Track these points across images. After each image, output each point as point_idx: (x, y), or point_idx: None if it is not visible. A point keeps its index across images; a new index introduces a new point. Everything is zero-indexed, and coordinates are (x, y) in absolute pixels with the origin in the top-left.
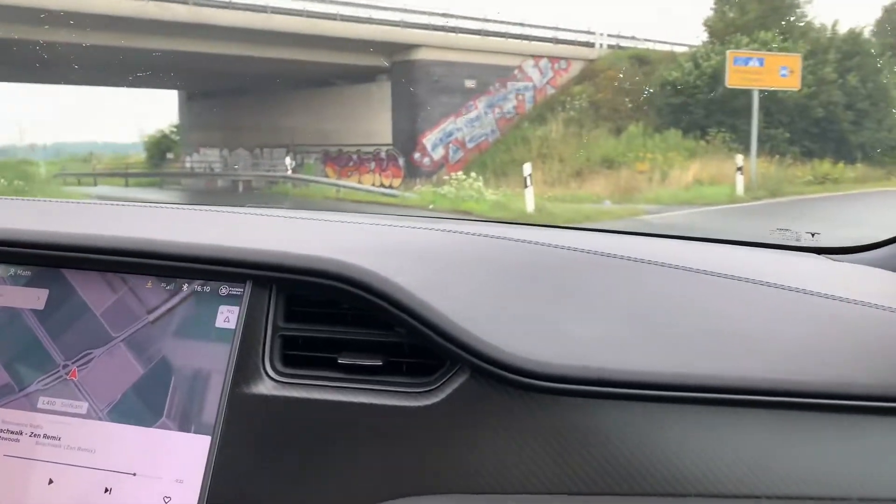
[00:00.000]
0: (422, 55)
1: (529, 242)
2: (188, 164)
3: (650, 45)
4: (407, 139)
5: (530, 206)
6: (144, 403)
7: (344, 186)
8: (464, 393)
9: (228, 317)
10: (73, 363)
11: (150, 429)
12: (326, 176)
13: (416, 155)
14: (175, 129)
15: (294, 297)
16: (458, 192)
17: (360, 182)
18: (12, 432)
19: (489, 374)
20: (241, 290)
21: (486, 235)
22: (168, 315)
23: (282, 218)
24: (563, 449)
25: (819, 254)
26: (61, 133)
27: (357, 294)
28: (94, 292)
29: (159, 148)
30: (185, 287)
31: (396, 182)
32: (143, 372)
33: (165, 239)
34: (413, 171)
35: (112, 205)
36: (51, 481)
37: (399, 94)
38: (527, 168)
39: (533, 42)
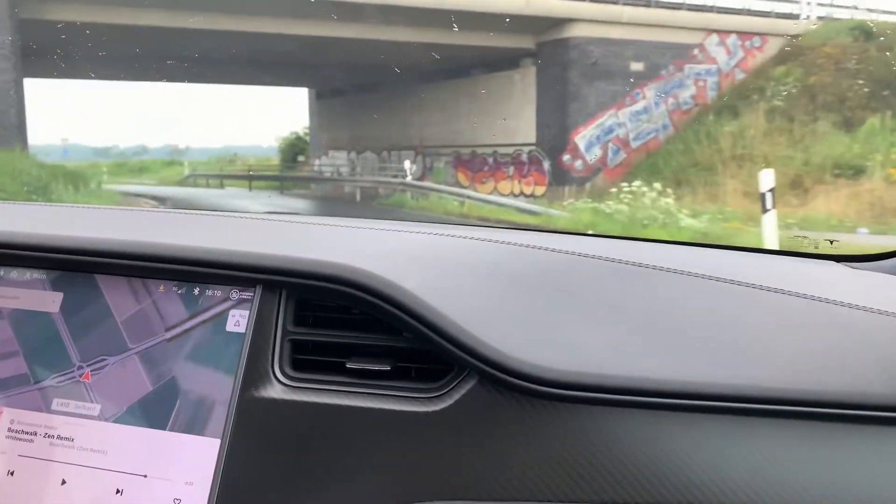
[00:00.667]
0: (576, 32)
1: (539, 248)
2: (317, 168)
3: (874, 16)
4: (554, 138)
5: (771, 238)
6: (155, 407)
7: (471, 198)
8: (471, 399)
9: (239, 321)
10: (87, 366)
11: (161, 431)
12: (457, 182)
13: (566, 157)
14: (307, 131)
15: (303, 301)
16: (632, 210)
17: (496, 190)
18: (27, 433)
19: (497, 381)
20: (252, 294)
21: (494, 241)
22: (185, 335)
23: (294, 223)
24: (571, 456)
25: (838, 261)
26: (207, 136)
27: (366, 299)
28: (117, 298)
29: (292, 151)
30: (196, 291)
31: (539, 190)
32: (153, 388)
33: (176, 243)
34: (560, 177)
35: (132, 210)
36: (64, 482)
37: (546, 81)
38: (767, 179)
39: (717, 14)
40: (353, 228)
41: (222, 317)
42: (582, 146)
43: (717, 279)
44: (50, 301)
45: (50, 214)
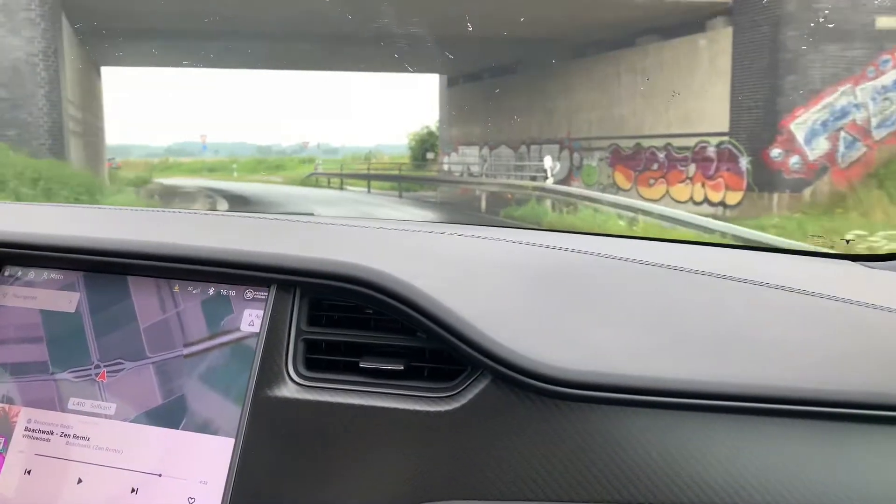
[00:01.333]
0: None
1: (552, 248)
2: (445, 166)
3: None
4: (757, 124)
5: None
6: (169, 407)
7: (645, 212)
8: (485, 398)
9: (253, 320)
10: (104, 366)
11: (176, 430)
12: (613, 183)
13: (774, 151)
14: (437, 125)
15: (317, 301)
16: None
17: (668, 195)
18: (44, 432)
19: (510, 380)
20: (266, 293)
21: (508, 241)
22: (202, 354)
23: (308, 223)
24: (585, 456)
25: (854, 261)
26: (353, 133)
27: (379, 298)
28: (142, 301)
29: (422, 148)
30: (211, 291)
31: (732, 197)
32: (163, 402)
33: (190, 243)
34: (765, 180)
35: (148, 211)
36: (80, 480)
37: (747, 47)
38: None
39: None
40: (367, 228)
41: (237, 316)
42: (800, 136)
43: (733, 279)
44: (67, 301)
45: (66, 215)
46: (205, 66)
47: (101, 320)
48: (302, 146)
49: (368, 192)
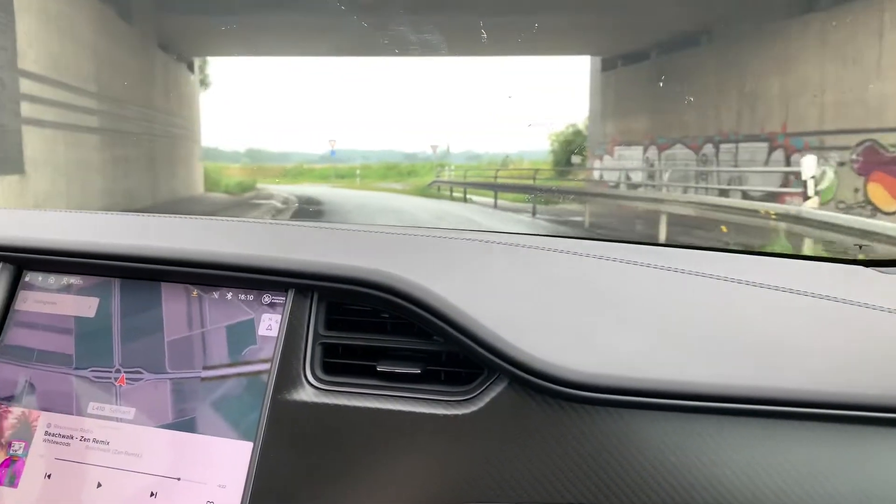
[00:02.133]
0: None
1: (569, 253)
2: (596, 173)
3: None
4: None
5: None
6: (200, 366)
7: None
8: (502, 402)
9: (271, 325)
10: (124, 371)
11: (194, 434)
12: (866, 200)
13: None
14: (586, 122)
15: (334, 305)
16: None
17: None
18: (63, 436)
19: (528, 384)
20: (284, 298)
21: (524, 246)
22: (219, 381)
23: (324, 229)
24: (602, 459)
25: (866, 266)
26: (488, 136)
27: (396, 302)
28: (169, 310)
29: (566, 150)
30: (229, 296)
31: None
32: (173, 420)
33: (208, 249)
34: None
35: (168, 217)
36: (99, 484)
37: None
38: None
39: None
40: (384, 234)
41: (255, 321)
42: None
43: (748, 283)
44: (87, 307)
45: (86, 221)
46: (337, 54)
47: (125, 326)
48: (444, 152)
49: (495, 206)
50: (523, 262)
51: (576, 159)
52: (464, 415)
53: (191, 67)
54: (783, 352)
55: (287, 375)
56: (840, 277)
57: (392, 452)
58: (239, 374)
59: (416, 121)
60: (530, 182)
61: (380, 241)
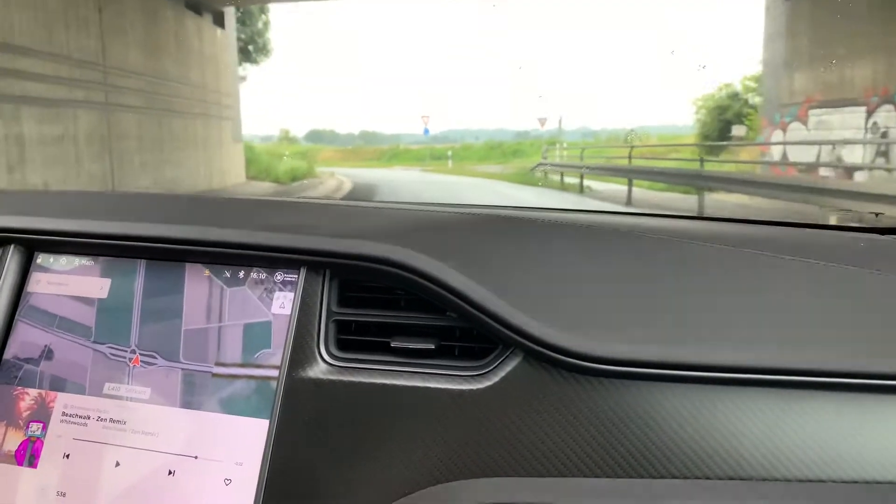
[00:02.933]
0: None
1: (583, 226)
2: (776, 151)
3: None
4: None
5: None
6: (212, 361)
7: None
8: (517, 376)
9: (284, 303)
10: (139, 352)
11: (211, 413)
12: None
13: None
14: (752, 80)
15: (347, 282)
16: None
17: None
18: (81, 416)
19: (543, 358)
20: (296, 276)
21: (540, 220)
22: (230, 379)
23: (336, 205)
24: (618, 432)
25: (882, 234)
26: (607, 109)
27: (410, 279)
28: (191, 297)
29: (718, 120)
30: (241, 275)
31: None
32: (202, 328)
33: (219, 227)
34: None
35: (179, 197)
36: (118, 463)
37: None
38: None
39: None
40: (395, 209)
41: (268, 299)
42: None
43: (765, 252)
44: (98, 288)
45: (96, 201)
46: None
47: (145, 308)
48: (556, 131)
49: (628, 202)
50: (538, 236)
51: (738, 130)
52: (478, 389)
53: (219, 21)
54: (801, 321)
55: (301, 353)
56: (859, 246)
57: (407, 427)
58: (249, 377)
59: (526, 90)
60: (668, 164)
61: (394, 218)
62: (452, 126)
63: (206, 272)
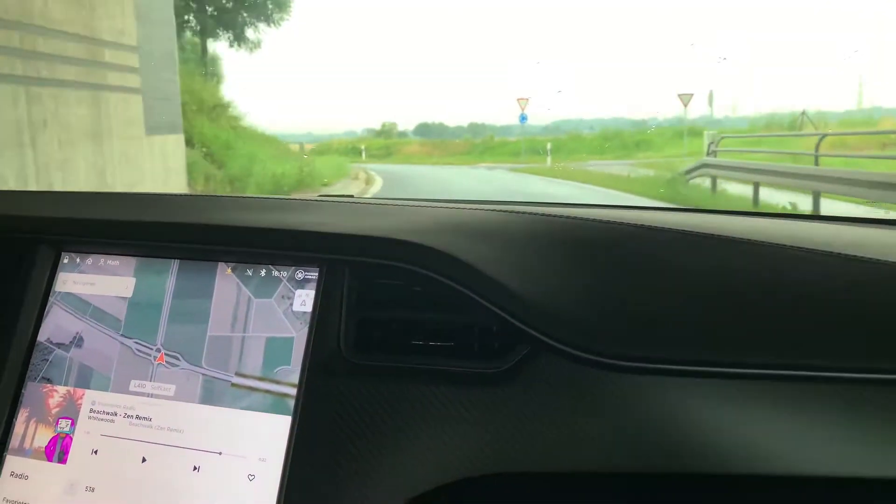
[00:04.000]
0: None
1: (603, 221)
2: None
3: None
4: None
5: None
6: (236, 347)
7: None
8: (538, 373)
9: (305, 300)
10: (164, 351)
11: (235, 410)
12: None
13: None
14: None
15: (367, 279)
16: None
17: None
18: (108, 413)
19: (564, 354)
20: (316, 273)
21: (559, 217)
22: (248, 391)
23: (351, 204)
24: (641, 427)
25: None
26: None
27: (430, 276)
28: (219, 302)
29: None
30: (263, 273)
31: None
32: (227, 336)
33: (238, 224)
34: None
35: (198, 196)
36: (144, 459)
37: None
38: None
39: None
40: (413, 207)
41: (289, 297)
42: None
43: (793, 247)
44: (124, 287)
45: (118, 201)
46: None
47: (174, 309)
48: (707, 117)
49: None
50: (557, 233)
51: None
52: (500, 387)
53: None
54: (822, 316)
55: (322, 351)
56: (885, 239)
57: (429, 424)
58: (266, 391)
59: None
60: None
61: (413, 216)
62: (565, 115)
63: (229, 270)
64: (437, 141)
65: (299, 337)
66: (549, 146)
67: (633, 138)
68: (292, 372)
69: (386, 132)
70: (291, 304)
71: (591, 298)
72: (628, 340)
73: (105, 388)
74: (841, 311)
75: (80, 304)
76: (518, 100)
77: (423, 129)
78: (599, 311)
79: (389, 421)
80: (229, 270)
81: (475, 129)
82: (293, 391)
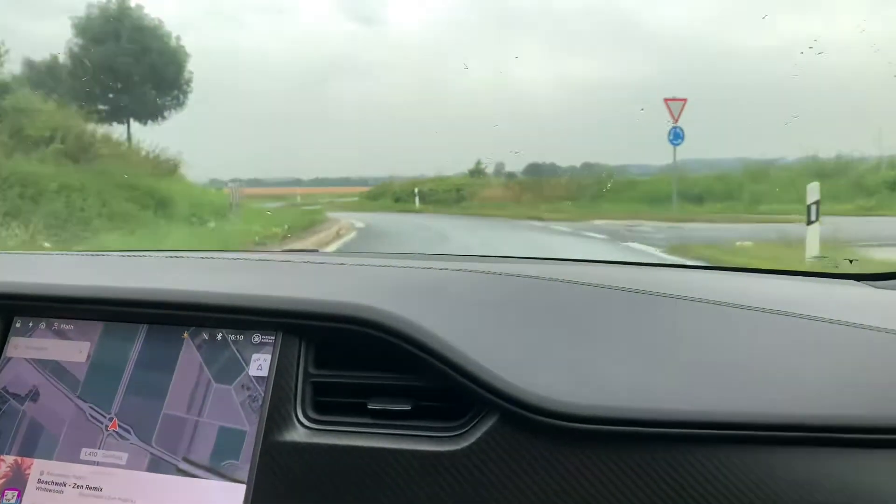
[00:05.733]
0: None
1: (556, 280)
2: None
3: None
4: None
5: None
6: (188, 430)
7: None
8: (493, 436)
9: (261, 364)
10: (118, 419)
11: (188, 478)
12: None
13: None
14: None
15: (324, 343)
16: None
17: None
18: (57, 483)
19: (520, 418)
20: (273, 337)
21: (511, 275)
22: (192, 479)
23: (310, 263)
24: (595, 491)
25: (858, 280)
26: None
27: (386, 339)
28: (150, 351)
29: None
30: (219, 337)
31: None
32: (178, 441)
33: (196, 289)
34: None
35: (154, 256)
36: None
37: None
38: None
39: None
40: (369, 266)
41: (246, 361)
42: None
43: (737, 305)
44: (77, 351)
45: (73, 263)
46: None
47: (104, 371)
48: (810, 157)
49: None
50: (512, 293)
51: None
52: (455, 451)
53: None
54: (775, 375)
55: (278, 416)
56: (832, 295)
57: (385, 490)
58: (211, 481)
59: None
60: None
61: (365, 275)
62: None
63: (186, 335)
64: (529, 181)
65: (252, 432)
66: (673, 189)
67: (833, 168)
68: (240, 468)
69: (478, 172)
70: (250, 395)
71: (547, 361)
72: (584, 405)
73: (53, 455)
74: (796, 372)
75: (16, 398)
76: (667, 102)
77: (534, 170)
78: (555, 375)
79: (346, 488)
80: (186, 335)
81: (588, 168)
82: (262, 374)
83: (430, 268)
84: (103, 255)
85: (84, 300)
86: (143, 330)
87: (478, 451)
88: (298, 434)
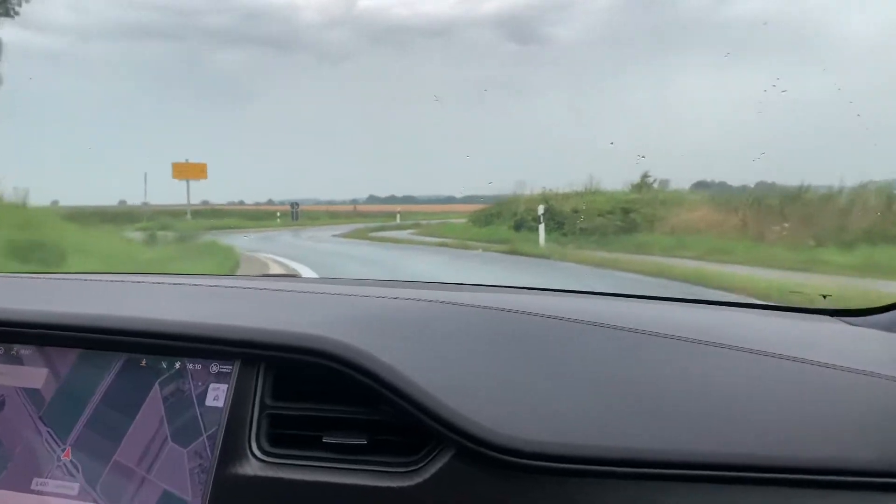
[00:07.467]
0: None
1: (515, 312)
2: None
3: None
4: None
5: None
6: (134, 485)
7: None
8: (449, 472)
9: (218, 395)
10: (69, 444)
11: None
12: None
13: None
14: None
15: (282, 374)
16: None
17: None
18: None
19: (473, 453)
20: (231, 368)
21: (470, 305)
22: (156, 466)
23: (270, 291)
24: None
25: (833, 315)
26: None
27: (343, 371)
28: (108, 379)
29: None
30: (177, 366)
31: None
32: (132, 468)
33: (156, 318)
34: None
35: (112, 281)
36: None
37: None
38: None
39: None
40: (330, 295)
41: (203, 392)
42: None
43: (704, 342)
44: (33, 377)
45: (30, 287)
46: None
47: (65, 398)
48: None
49: None
50: (470, 325)
51: None
52: (411, 486)
53: None
54: (740, 415)
55: (233, 448)
56: (804, 332)
57: None
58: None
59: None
60: None
61: (325, 304)
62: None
63: (144, 362)
64: (759, 199)
65: (206, 387)
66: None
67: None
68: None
69: (645, 185)
70: (200, 464)
71: (503, 396)
72: (540, 441)
73: (5, 487)
74: (764, 412)
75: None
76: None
77: (702, 186)
78: (512, 411)
79: None
80: (143, 363)
81: (765, 188)
82: (218, 404)
83: (387, 297)
84: (62, 279)
85: (39, 325)
86: (118, 362)
87: (433, 487)
88: (252, 467)
